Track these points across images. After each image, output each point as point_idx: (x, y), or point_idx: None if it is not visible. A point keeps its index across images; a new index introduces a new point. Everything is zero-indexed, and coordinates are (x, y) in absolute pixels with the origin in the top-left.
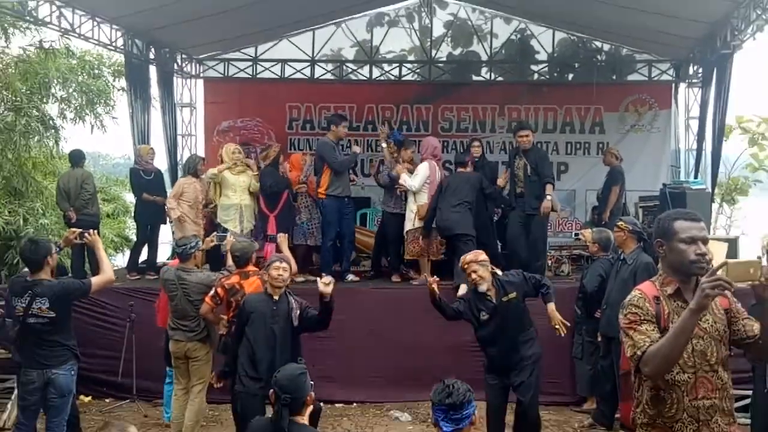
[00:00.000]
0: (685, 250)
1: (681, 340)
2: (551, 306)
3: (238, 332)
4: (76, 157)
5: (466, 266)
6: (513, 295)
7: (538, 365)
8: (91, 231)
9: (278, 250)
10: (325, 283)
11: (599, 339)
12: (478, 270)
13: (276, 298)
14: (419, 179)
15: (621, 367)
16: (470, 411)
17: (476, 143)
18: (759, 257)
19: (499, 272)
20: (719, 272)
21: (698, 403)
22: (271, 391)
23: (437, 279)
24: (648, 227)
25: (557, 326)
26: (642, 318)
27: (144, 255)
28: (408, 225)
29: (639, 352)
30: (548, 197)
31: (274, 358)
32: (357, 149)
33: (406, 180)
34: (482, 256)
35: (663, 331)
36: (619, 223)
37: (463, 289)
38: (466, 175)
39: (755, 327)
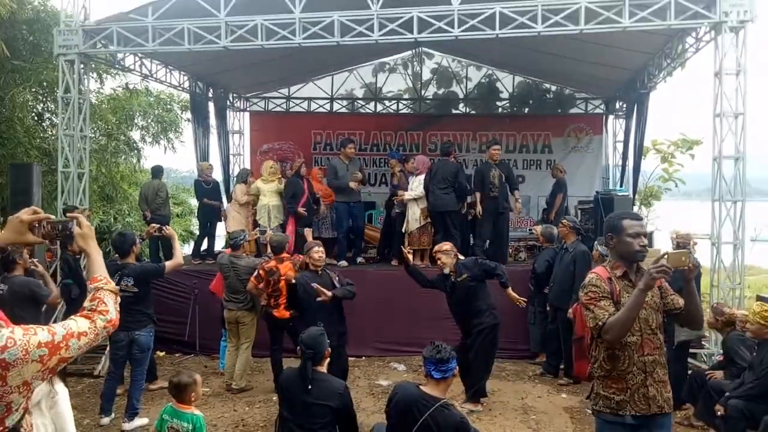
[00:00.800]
0: (632, 243)
1: (634, 313)
2: (508, 290)
3: (296, 301)
4: (156, 171)
5: (435, 254)
6: (464, 276)
7: (488, 332)
8: (167, 226)
9: (303, 239)
10: (325, 295)
11: (548, 309)
12: (442, 257)
13: (319, 272)
14: (422, 188)
15: (575, 333)
16: (453, 365)
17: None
18: (687, 249)
19: (461, 257)
20: (662, 260)
21: (644, 358)
22: (298, 347)
23: (411, 250)
24: (585, 224)
25: (518, 302)
26: (600, 295)
27: (204, 245)
28: (414, 224)
29: (600, 323)
30: (518, 199)
31: (323, 317)
32: (353, 185)
33: (413, 193)
34: (446, 246)
35: (615, 304)
36: (563, 220)
37: None
38: (449, 163)
39: (680, 301)
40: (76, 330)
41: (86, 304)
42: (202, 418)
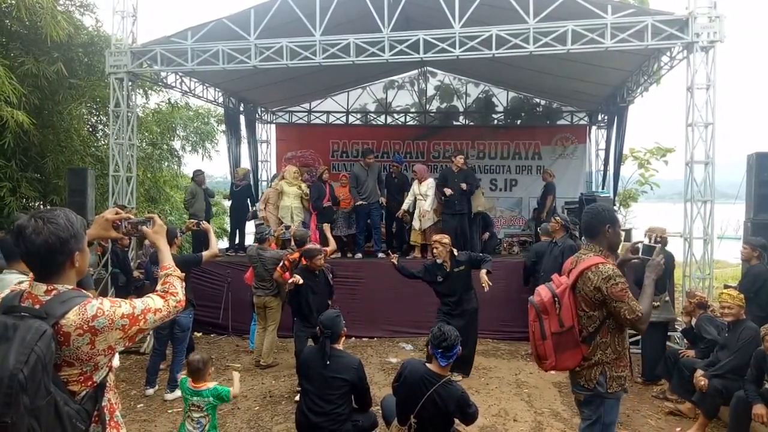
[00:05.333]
0: (621, 234)
1: (652, 300)
2: (482, 271)
3: (294, 295)
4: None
5: (433, 242)
6: (462, 268)
7: (475, 317)
8: (203, 221)
9: (323, 233)
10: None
11: None
12: (439, 248)
13: (316, 273)
14: (432, 191)
15: (563, 324)
16: (457, 350)
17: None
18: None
19: (455, 251)
20: (661, 254)
21: None
22: (318, 327)
23: (396, 255)
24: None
25: (483, 284)
26: (626, 286)
27: (236, 240)
28: (427, 222)
29: (639, 314)
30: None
31: (315, 311)
32: (382, 200)
33: (428, 199)
34: (446, 239)
35: None
36: (556, 218)
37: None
38: (465, 171)
39: None
40: (153, 306)
41: (159, 287)
42: (218, 386)
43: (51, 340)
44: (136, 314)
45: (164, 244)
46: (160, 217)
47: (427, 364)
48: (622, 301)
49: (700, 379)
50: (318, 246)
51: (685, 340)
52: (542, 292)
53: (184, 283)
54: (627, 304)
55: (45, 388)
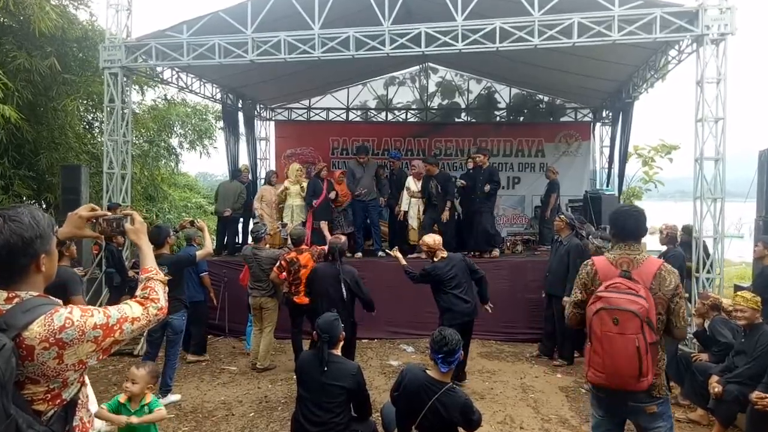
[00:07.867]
0: None
1: None
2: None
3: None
4: (233, 173)
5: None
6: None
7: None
8: (198, 219)
9: (320, 233)
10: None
11: (544, 296)
12: (424, 249)
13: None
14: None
15: (657, 332)
16: (459, 354)
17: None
18: None
19: (436, 256)
20: None
21: None
22: (314, 332)
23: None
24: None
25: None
26: None
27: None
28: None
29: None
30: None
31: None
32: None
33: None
34: (427, 240)
35: None
36: (561, 216)
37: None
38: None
39: None
40: (130, 315)
41: (138, 292)
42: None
43: (11, 354)
44: (111, 324)
45: (146, 244)
46: (158, 216)
47: (428, 371)
48: (681, 298)
49: (715, 385)
50: (343, 238)
51: (696, 343)
52: (630, 297)
53: (166, 288)
54: (684, 302)
55: (4, 410)
